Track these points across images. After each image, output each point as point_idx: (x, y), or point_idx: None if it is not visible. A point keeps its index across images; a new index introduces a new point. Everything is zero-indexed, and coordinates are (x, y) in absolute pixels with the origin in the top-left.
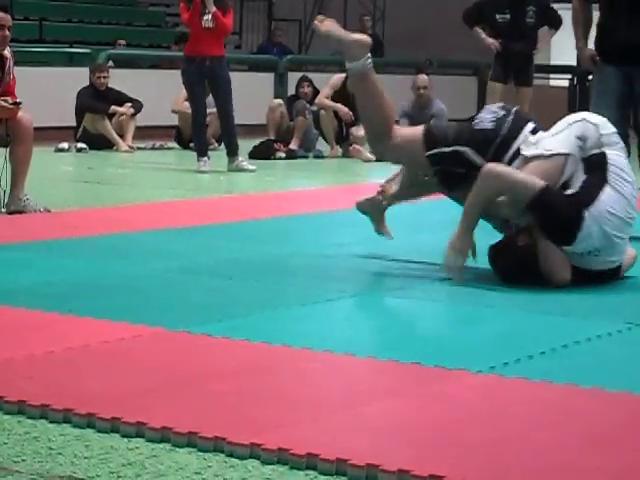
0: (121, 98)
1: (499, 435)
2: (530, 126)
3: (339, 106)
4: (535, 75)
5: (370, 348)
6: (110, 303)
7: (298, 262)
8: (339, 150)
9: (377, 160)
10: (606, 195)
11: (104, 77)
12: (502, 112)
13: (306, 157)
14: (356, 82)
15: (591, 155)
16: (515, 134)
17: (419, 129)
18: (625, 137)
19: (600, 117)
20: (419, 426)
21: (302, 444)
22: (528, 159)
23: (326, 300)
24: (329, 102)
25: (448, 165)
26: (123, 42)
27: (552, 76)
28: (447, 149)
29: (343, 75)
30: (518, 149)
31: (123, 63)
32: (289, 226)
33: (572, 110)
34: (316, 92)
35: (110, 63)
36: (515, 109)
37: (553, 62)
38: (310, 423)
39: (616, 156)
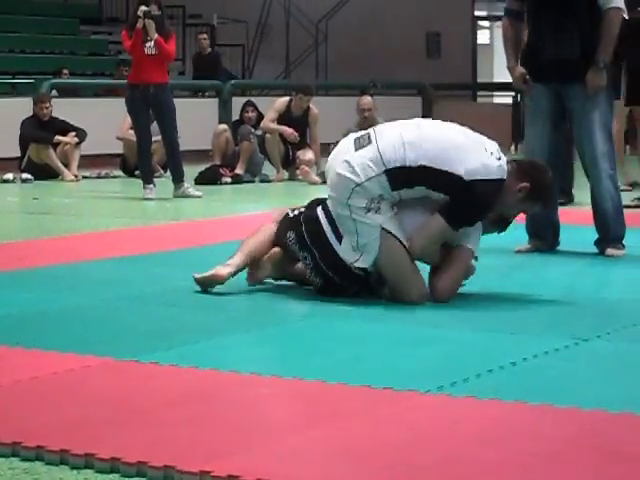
0: (65, 127)
1: (449, 455)
2: (325, 222)
3: (284, 128)
4: (479, 93)
5: (319, 371)
6: (58, 334)
7: (246, 287)
8: (285, 174)
9: (323, 182)
10: None
11: (46, 107)
12: (306, 254)
13: (252, 181)
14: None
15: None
16: (334, 258)
17: None
18: (568, 154)
19: (338, 174)
20: (369, 449)
21: (252, 470)
22: (373, 265)
23: (273, 325)
24: (274, 125)
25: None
26: (67, 71)
27: (496, 93)
28: (354, 289)
29: (287, 98)
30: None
31: (67, 92)
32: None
33: (516, 126)
34: (260, 116)
35: (54, 92)
36: (301, 222)
37: (496, 79)
38: (260, 449)
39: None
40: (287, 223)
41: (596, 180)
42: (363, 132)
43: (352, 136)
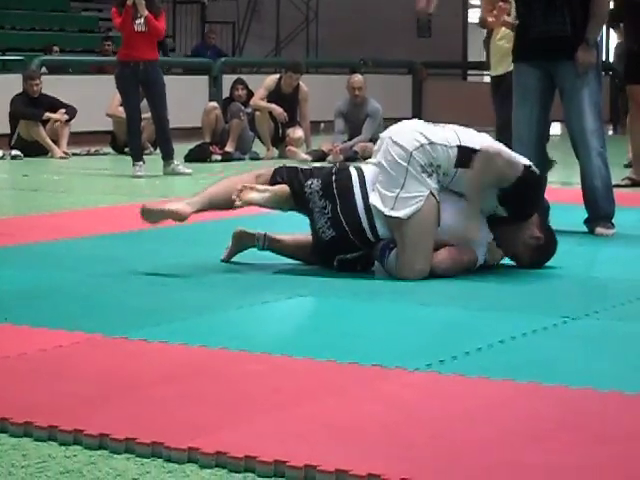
0: (55, 104)
1: (437, 432)
2: (356, 181)
3: (274, 106)
4: (469, 72)
5: (308, 349)
6: (47, 311)
7: (236, 265)
8: (275, 151)
9: (313, 161)
10: None
11: (36, 84)
12: (326, 202)
13: (242, 159)
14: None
15: (457, 156)
16: (354, 213)
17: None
18: (546, 136)
19: (406, 132)
20: (357, 425)
21: (240, 447)
22: (404, 220)
23: (263, 302)
24: (264, 103)
25: (353, 265)
26: (57, 48)
27: (486, 72)
28: (335, 263)
29: (277, 76)
30: (368, 215)
31: (56, 69)
32: (227, 229)
33: None
34: (250, 94)
35: (43, 69)
36: (334, 176)
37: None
38: (248, 425)
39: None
40: (306, 173)
41: (586, 158)
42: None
43: (421, 121)
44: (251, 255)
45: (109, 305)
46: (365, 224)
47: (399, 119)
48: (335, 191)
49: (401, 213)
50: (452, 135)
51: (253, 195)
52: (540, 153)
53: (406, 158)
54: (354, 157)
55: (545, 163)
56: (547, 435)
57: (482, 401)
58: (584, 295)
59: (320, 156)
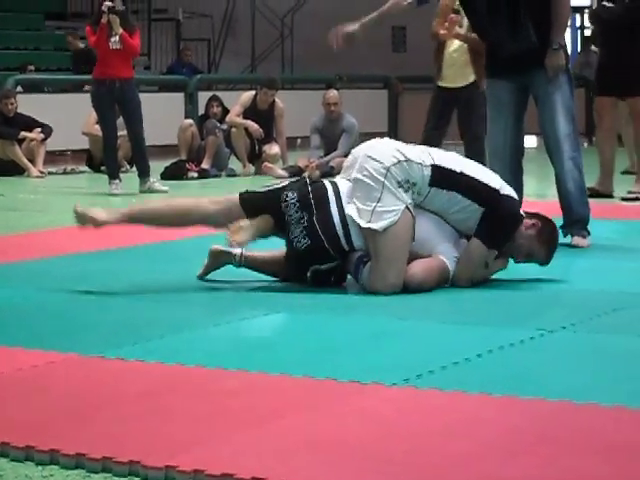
0: (30, 123)
1: (414, 447)
2: (332, 194)
3: (249, 123)
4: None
5: (284, 365)
6: (23, 330)
7: (211, 282)
8: (252, 168)
9: (290, 176)
10: None
11: (11, 103)
12: (303, 213)
13: (219, 176)
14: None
15: (431, 175)
16: (329, 222)
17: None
18: (522, 149)
19: (384, 149)
20: (334, 441)
21: (217, 464)
22: (379, 233)
23: (239, 319)
24: (240, 120)
25: (327, 277)
26: (32, 67)
27: None
28: (309, 273)
29: (252, 92)
30: (343, 225)
31: (31, 88)
32: (203, 245)
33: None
34: (226, 111)
35: (19, 88)
36: (309, 188)
37: None
38: (226, 443)
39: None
40: (280, 188)
41: (558, 162)
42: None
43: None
44: (227, 272)
45: (85, 324)
46: (340, 233)
47: (375, 134)
48: (312, 201)
49: (377, 226)
50: (426, 155)
51: (245, 237)
52: (516, 166)
53: (383, 173)
54: (330, 172)
55: (521, 175)
56: (525, 449)
57: (459, 415)
58: (560, 307)
59: (297, 172)
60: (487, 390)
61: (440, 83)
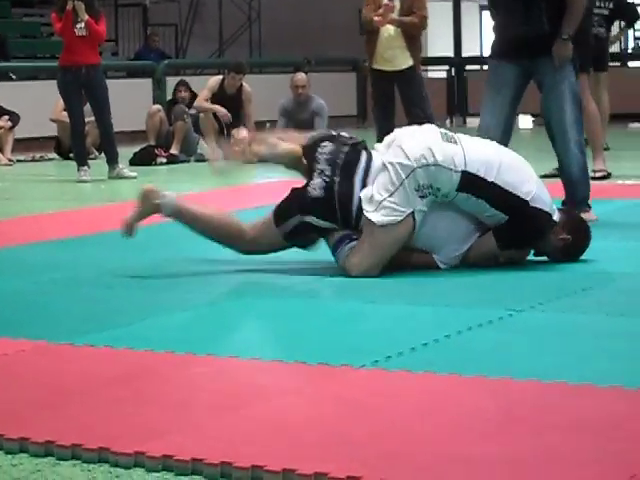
0: None
1: (384, 428)
2: (361, 167)
3: (218, 107)
4: None
5: (254, 349)
6: None
7: (180, 268)
8: (220, 152)
9: (259, 161)
10: None
11: None
12: (328, 168)
13: (188, 161)
14: (178, 220)
15: (460, 178)
16: (349, 192)
17: (267, 215)
18: (509, 133)
19: (418, 144)
20: (304, 425)
21: (187, 450)
22: (377, 226)
23: (209, 304)
24: (208, 104)
25: (302, 235)
26: None
27: (430, 68)
28: (296, 221)
29: (220, 77)
30: (360, 206)
31: None
32: (172, 232)
33: (451, 100)
34: (194, 95)
35: None
36: (346, 149)
37: (430, 54)
38: (195, 428)
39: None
40: (325, 135)
41: (564, 148)
42: (447, 131)
43: (435, 128)
44: (195, 257)
45: (54, 312)
46: (355, 207)
47: (345, 117)
48: (340, 163)
49: (376, 218)
50: (460, 157)
51: (262, 150)
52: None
53: (407, 172)
54: None
55: None
56: (494, 428)
57: (428, 396)
58: (529, 287)
59: None
60: (456, 371)
61: (377, 66)
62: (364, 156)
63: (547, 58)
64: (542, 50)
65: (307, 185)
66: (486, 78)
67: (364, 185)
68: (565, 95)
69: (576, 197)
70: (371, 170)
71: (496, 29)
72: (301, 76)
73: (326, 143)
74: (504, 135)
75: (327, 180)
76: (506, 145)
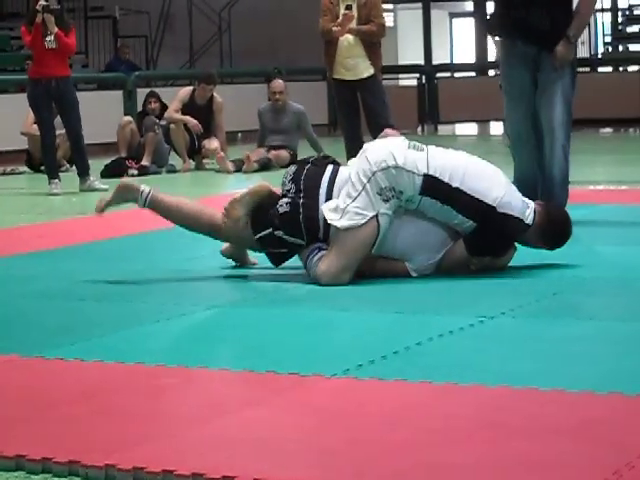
0: None
1: (355, 437)
2: (326, 180)
3: (188, 118)
4: (384, 76)
5: (225, 360)
6: None
7: (152, 279)
8: (192, 163)
9: (236, 171)
10: None
11: None
12: (292, 186)
13: (159, 172)
14: (154, 210)
15: (422, 184)
16: (313, 205)
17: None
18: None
19: (381, 149)
20: (275, 435)
21: (157, 461)
22: (341, 230)
23: (180, 315)
24: (178, 115)
25: (274, 247)
26: None
27: (401, 76)
28: (267, 232)
29: (191, 88)
30: (325, 219)
31: None
32: (143, 243)
33: (422, 107)
34: (164, 106)
35: None
36: (309, 166)
37: (400, 62)
38: (166, 440)
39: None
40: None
41: (549, 148)
42: (417, 143)
43: (405, 140)
44: (166, 268)
45: (25, 325)
46: (320, 221)
47: (316, 125)
48: (303, 179)
49: (339, 223)
50: (422, 162)
51: (239, 211)
52: (538, 150)
53: (368, 176)
54: (267, 164)
55: (541, 160)
56: (465, 435)
57: (400, 404)
58: (501, 294)
59: (240, 166)
60: (428, 378)
61: (338, 76)
62: (329, 170)
63: (547, 55)
64: (543, 44)
65: (276, 204)
66: (503, 71)
67: (329, 198)
68: (557, 95)
69: (553, 201)
70: (336, 183)
71: (498, 10)
72: (278, 82)
73: (292, 166)
74: (536, 134)
75: (292, 197)
76: (542, 147)
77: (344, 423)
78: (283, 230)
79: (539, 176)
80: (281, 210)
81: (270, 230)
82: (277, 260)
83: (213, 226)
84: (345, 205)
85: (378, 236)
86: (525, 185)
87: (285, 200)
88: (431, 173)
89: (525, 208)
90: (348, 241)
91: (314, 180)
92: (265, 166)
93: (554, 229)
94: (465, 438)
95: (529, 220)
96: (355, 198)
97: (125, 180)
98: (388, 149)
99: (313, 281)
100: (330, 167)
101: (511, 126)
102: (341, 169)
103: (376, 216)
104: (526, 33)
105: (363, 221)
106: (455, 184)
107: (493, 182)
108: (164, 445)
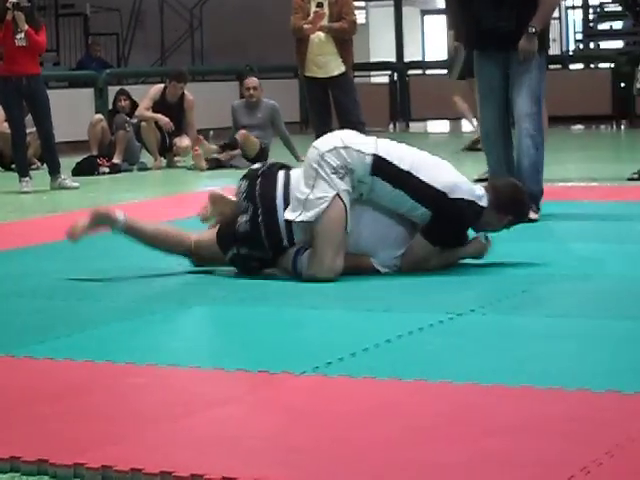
0: None
1: (323, 435)
2: (280, 189)
3: (159, 116)
4: (356, 73)
5: (194, 358)
6: None
7: (121, 278)
8: (163, 161)
9: (208, 169)
10: None
11: None
12: (249, 205)
13: (130, 170)
14: (128, 235)
15: (371, 164)
16: (272, 217)
17: (212, 234)
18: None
19: (328, 137)
20: (244, 433)
21: (126, 460)
22: (310, 223)
23: (149, 314)
24: (149, 113)
25: (244, 261)
26: None
27: (372, 73)
28: (232, 253)
29: (162, 86)
30: (286, 221)
31: None
32: (114, 242)
33: (393, 105)
34: (134, 104)
35: None
36: (259, 180)
37: (372, 59)
38: (135, 438)
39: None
40: (245, 175)
41: (517, 138)
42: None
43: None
44: (135, 267)
45: None
46: (283, 230)
47: (288, 123)
48: (257, 192)
49: (307, 217)
50: (371, 145)
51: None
52: (507, 148)
53: (317, 159)
54: (218, 164)
55: (511, 158)
56: (434, 432)
57: (369, 402)
58: (471, 291)
59: (217, 164)
60: (397, 375)
61: (309, 73)
62: (280, 178)
63: (514, 52)
64: (510, 45)
65: (235, 222)
66: (475, 70)
67: (287, 204)
68: (524, 87)
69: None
70: (291, 188)
71: (470, 21)
72: (253, 79)
73: (241, 182)
74: (506, 135)
75: (250, 214)
76: (510, 145)
77: (313, 421)
78: (247, 247)
79: (508, 174)
80: (241, 229)
81: (235, 250)
82: (249, 271)
83: (187, 248)
84: (304, 197)
85: (347, 213)
86: None
87: (244, 219)
88: (380, 154)
89: (476, 191)
90: (323, 228)
91: (268, 193)
92: (215, 167)
93: (508, 199)
94: (433, 436)
95: (483, 202)
96: (313, 186)
97: (99, 208)
98: (336, 135)
99: (285, 278)
100: (281, 174)
101: (481, 124)
102: (292, 173)
103: (338, 195)
104: (497, 41)
105: (326, 204)
106: (405, 167)
107: (441, 169)
108: (133, 444)
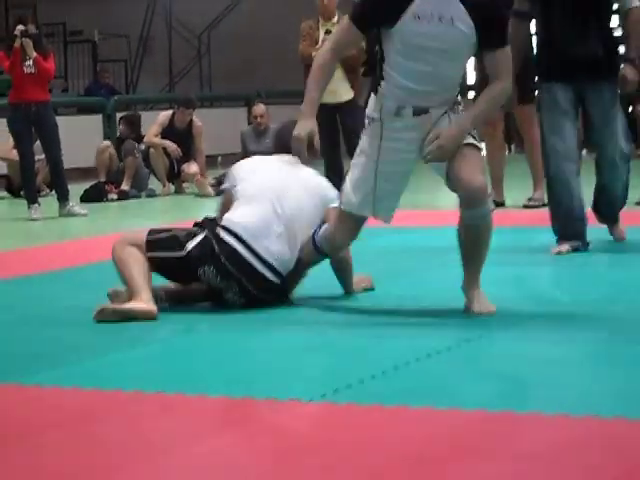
0: None
1: (328, 463)
2: (245, 252)
3: (168, 143)
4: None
5: (202, 385)
6: None
7: None
8: (171, 187)
9: (216, 194)
10: None
11: None
12: (232, 284)
13: (139, 197)
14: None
15: None
16: (261, 280)
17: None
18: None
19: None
20: (249, 461)
21: None
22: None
23: (157, 340)
24: (157, 140)
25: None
26: None
27: None
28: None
29: (170, 112)
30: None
31: None
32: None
33: None
34: (132, 129)
35: None
36: (221, 259)
37: None
38: (144, 466)
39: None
40: (188, 261)
41: (612, 176)
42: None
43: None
44: None
45: (2, 352)
46: (270, 276)
47: None
48: (234, 271)
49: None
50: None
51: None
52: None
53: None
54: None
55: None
56: (441, 459)
57: (376, 429)
58: (478, 316)
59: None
60: (404, 402)
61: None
62: (233, 242)
63: (601, 83)
64: (596, 74)
65: (227, 299)
66: (545, 102)
67: (253, 254)
68: (619, 127)
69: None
70: (245, 238)
71: (548, 49)
72: (260, 107)
73: (203, 269)
74: (578, 160)
75: (238, 291)
76: (578, 172)
77: (319, 449)
78: (269, 297)
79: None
80: (240, 303)
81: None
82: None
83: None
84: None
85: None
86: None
87: (233, 294)
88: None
89: None
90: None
91: (238, 260)
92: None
93: None
94: (440, 462)
95: None
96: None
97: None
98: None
99: (295, 305)
100: (231, 239)
101: (552, 148)
102: (223, 233)
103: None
104: (577, 69)
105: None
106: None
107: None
108: (142, 472)
